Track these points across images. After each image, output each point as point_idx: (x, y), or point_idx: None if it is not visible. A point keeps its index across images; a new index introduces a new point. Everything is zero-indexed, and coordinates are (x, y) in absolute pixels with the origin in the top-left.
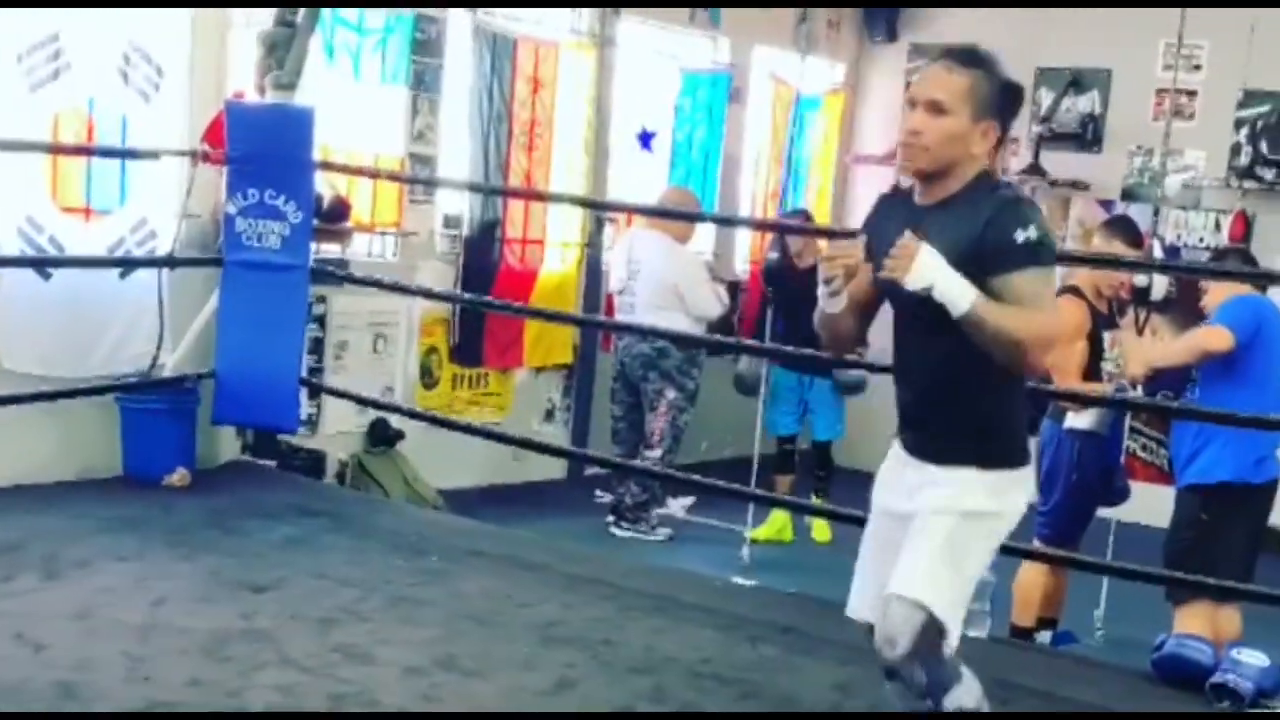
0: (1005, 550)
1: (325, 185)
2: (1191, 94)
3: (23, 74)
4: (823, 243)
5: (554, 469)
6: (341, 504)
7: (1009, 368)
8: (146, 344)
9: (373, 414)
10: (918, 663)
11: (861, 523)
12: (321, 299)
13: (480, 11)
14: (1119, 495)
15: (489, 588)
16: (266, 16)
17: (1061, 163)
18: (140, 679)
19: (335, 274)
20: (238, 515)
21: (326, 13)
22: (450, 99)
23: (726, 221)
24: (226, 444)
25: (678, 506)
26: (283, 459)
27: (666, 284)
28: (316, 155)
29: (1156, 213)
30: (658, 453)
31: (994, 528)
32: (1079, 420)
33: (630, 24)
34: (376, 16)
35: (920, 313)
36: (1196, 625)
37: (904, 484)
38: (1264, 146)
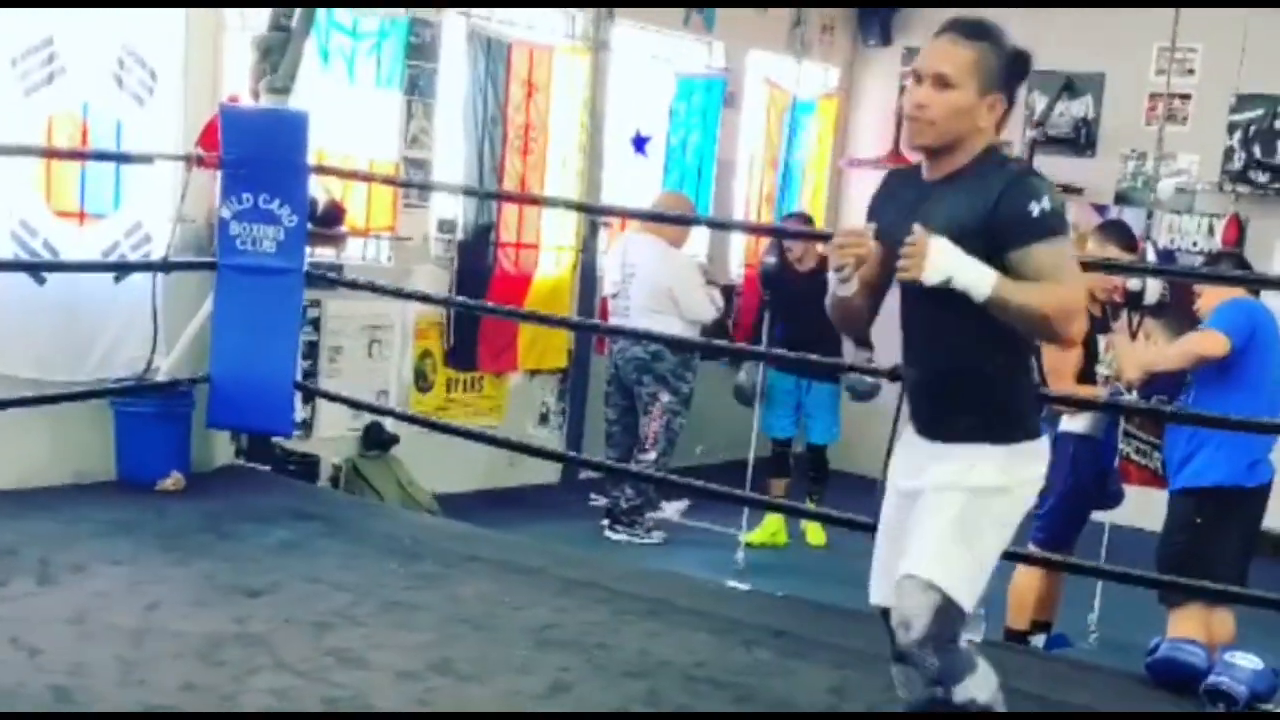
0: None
1: (320, 189)
2: (1185, 98)
3: (17, 78)
4: (822, 246)
5: (548, 473)
6: (336, 508)
7: (1040, 339)
8: (141, 348)
9: (367, 418)
10: (931, 647)
11: (857, 526)
12: (316, 303)
13: (475, 16)
14: (1113, 499)
15: (483, 592)
16: (261, 20)
17: (1055, 167)
18: (134, 683)
19: (330, 278)
20: (232, 519)
21: (321, 16)
22: (445, 103)
23: (721, 225)
24: (221, 448)
25: (672, 510)
26: (277, 463)
27: (661, 288)
28: (311, 159)
29: (1150, 216)
30: (652, 456)
31: (1005, 505)
32: (1074, 424)
33: (625, 28)
34: (371, 21)
35: (929, 290)
36: (1190, 628)
37: (914, 462)
38: (1257, 150)
